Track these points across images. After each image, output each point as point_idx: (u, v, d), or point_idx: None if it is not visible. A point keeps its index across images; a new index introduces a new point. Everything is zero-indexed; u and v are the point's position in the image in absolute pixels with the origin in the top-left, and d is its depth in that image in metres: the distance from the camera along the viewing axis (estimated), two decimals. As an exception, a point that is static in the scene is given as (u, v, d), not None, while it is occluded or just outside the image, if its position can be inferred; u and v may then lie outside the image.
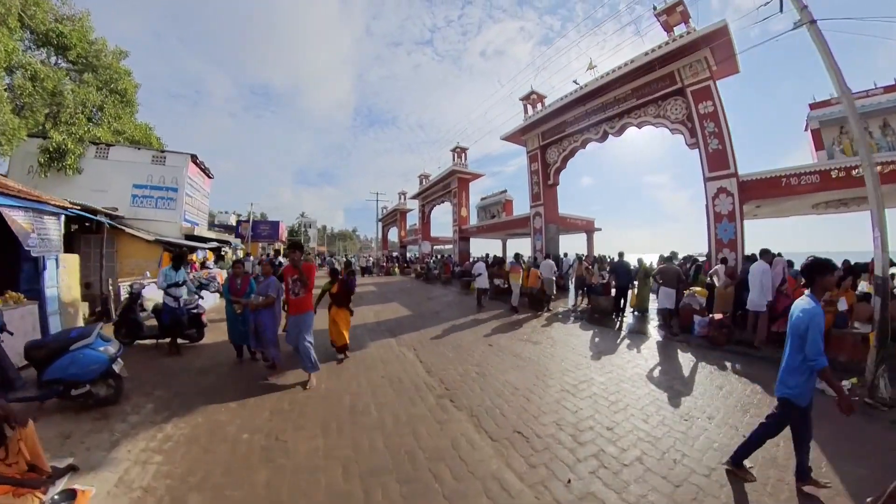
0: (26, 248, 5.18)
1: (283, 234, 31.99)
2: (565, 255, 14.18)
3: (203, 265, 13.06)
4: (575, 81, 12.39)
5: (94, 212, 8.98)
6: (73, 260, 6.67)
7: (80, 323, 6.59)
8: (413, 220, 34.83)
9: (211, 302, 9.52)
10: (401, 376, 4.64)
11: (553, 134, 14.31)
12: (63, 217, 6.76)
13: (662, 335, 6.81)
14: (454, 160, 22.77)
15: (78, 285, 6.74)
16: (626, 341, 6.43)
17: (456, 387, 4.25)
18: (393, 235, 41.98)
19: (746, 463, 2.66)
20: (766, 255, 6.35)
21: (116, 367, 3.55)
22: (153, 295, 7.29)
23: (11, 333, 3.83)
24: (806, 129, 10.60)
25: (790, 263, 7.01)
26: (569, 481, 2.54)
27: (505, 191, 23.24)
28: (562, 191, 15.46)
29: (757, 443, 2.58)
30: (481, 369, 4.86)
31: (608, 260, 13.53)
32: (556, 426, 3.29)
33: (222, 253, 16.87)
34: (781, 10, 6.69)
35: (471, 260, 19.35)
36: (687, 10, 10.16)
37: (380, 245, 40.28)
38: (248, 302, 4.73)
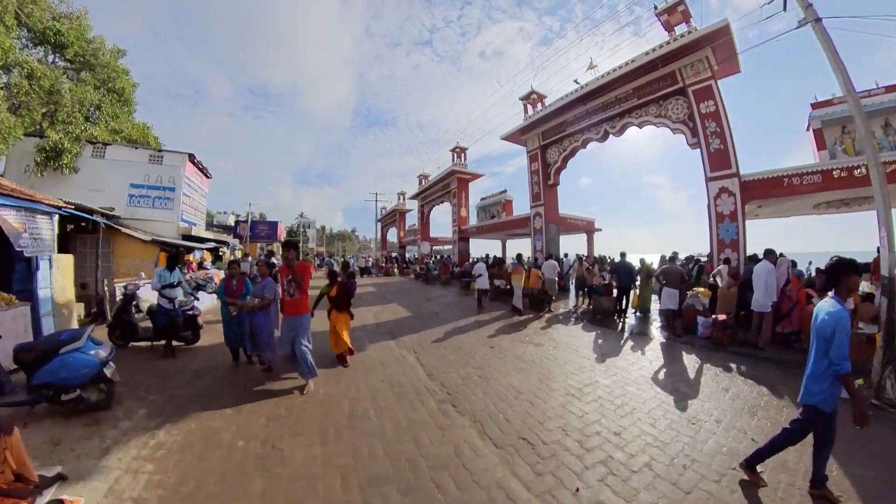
0: (18, 249, 5.06)
1: (282, 234, 31.83)
2: (566, 255, 14.10)
3: (200, 266, 12.94)
4: (576, 81, 12.33)
5: (90, 211, 8.87)
6: (67, 260, 6.56)
7: (75, 324, 6.47)
8: (412, 220, 34.76)
9: (208, 303, 9.40)
10: (401, 380, 4.53)
11: (553, 133, 14.24)
12: (57, 217, 6.64)
13: (665, 336, 6.73)
14: (454, 160, 22.70)
15: (72, 286, 6.63)
16: (630, 343, 6.35)
17: (458, 391, 4.14)
18: (392, 236, 41.89)
19: (758, 468, 2.61)
20: (769, 255, 6.28)
21: (108, 372, 3.44)
22: (149, 296, 7.17)
23: (0, 336, 3.73)
24: (808, 129, 10.55)
25: (793, 264, 6.96)
26: (577, 490, 2.45)
27: (505, 191, 23.16)
28: (561, 191, 15.40)
29: (777, 449, 2.50)
30: (483, 372, 4.76)
31: (608, 260, 13.46)
32: (562, 432, 3.20)
33: (220, 253, 16.74)
34: (785, 9, 6.63)
35: (471, 260, 19.25)
36: (688, 10, 10.12)
37: (379, 245, 40.17)
38: (244, 304, 4.60)
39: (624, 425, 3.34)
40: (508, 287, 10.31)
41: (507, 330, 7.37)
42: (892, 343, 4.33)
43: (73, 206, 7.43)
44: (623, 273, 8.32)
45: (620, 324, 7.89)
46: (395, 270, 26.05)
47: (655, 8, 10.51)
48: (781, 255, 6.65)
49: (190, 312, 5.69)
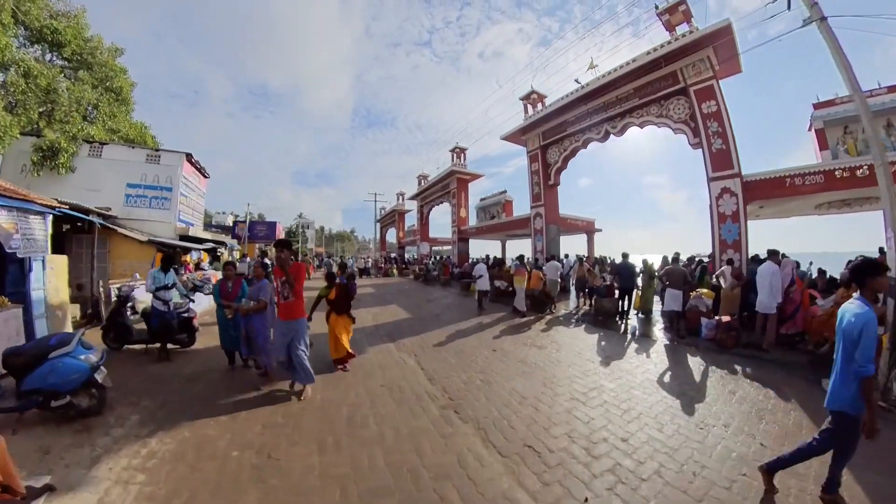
0: (9, 251, 4.95)
1: (280, 234, 31.70)
2: (566, 256, 14.03)
3: (198, 266, 12.82)
4: (577, 80, 12.27)
5: (86, 211, 8.75)
6: (60, 261, 6.44)
7: (69, 326, 6.36)
8: (411, 220, 34.68)
9: (205, 304, 9.28)
10: (401, 385, 4.41)
11: (554, 134, 14.17)
12: (51, 217, 6.53)
13: (669, 338, 6.66)
14: (453, 160, 22.62)
15: (66, 287, 6.51)
16: (633, 345, 6.27)
17: (460, 396, 4.03)
18: (391, 236, 41.79)
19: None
20: (774, 255, 6.22)
21: (99, 377, 3.33)
22: (145, 297, 7.07)
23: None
24: (810, 129, 10.51)
25: (796, 264, 6.91)
26: (586, 500, 2.36)
27: (504, 191, 23.08)
28: (560, 192, 15.33)
29: (803, 458, 2.40)
30: (486, 376, 4.65)
31: (609, 261, 13.39)
32: (569, 438, 3.10)
33: (218, 254, 16.61)
34: (789, 8, 6.58)
35: (470, 261, 19.17)
36: (689, 10, 10.07)
37: (378, 246, 40.07)
38: (239, 306, 4.46)
39: (631, 431, 3.26)
40: (510, 289, 10.19)
41: (509, 332, 7.27)
42: (900, 345, 4.26)
43: (67, 206, 7.31)
44: (625, 274, 8.23)
45: (623, 325, 7.81)
46: (395, 271, 25.96)
47: (656, 7, 10.46)
48: (784, 255, 6.60)
49: (185, 314, 5.57)
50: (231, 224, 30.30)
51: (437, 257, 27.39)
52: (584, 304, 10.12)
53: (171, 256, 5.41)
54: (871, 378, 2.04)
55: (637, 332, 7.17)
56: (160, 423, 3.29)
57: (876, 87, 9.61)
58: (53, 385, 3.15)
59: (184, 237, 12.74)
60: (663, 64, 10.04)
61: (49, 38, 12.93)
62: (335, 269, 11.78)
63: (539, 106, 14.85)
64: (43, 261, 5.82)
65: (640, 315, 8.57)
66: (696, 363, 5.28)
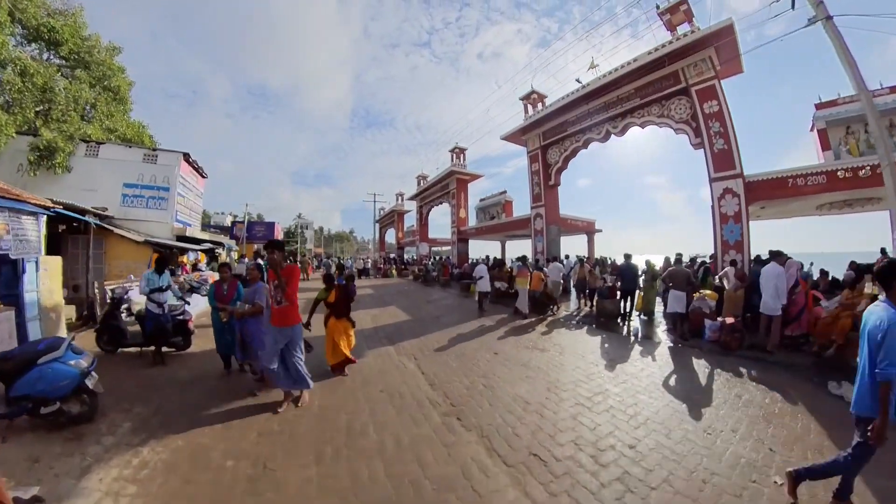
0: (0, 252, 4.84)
1: (279, 235, 31.58)
2: (566, 256, 13.96)
3: (195, 267, 12.69)
4: (578, 80, 12.21)
5: (81, 211, 8.64)
6: (55, 262, 6.32)
7: (63, 328, 6.25)
8: (410, 221, 34.57)
9: (202, 306, 9.17)
10: (401, 390, 4.29)
11: (554, 134, 14.11)
12: (44, 217, 6.42)
13: (672, 340, 6.58)
14: (452, 161, 22.54)
15: (60, 289, 6.40)
16: (637, 347, 6.18)
17: (462, 402, 3.92)
18: (390, 237, 41.68)
19: (778, 480, 2.53)
20: (778, 256, 6.14)
21: (90, 383, 3.22)
22: (140, 299, 6.96)
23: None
24: (812, 129, 10.47)
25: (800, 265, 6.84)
26: (595, 512, 2.27)
27: (504, 191, 23.01)
28: (560, 192, 15.26)
29: (837, 472, 2.29)
30: (488, 381, 4.55)
31: (609, 262, 13.32)
32: (575, 446, 3.01)
33: (216, 254, 16.49)
34: (793, 7, 6.53)
35: (470, 262, 19.07)
36: (690, 9, 10.03)
37: (377, 246, 39.96)
38: (234, 310, 4.31)
39: (638, 437, 3.18)
40: (513, 291, 10.06)
41: (510, 334, 7.17)
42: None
43: (61, 206, 7.20)
44: (628, 275, 8.15)
45: (625, 327, 7.73)
46: (394, 272, 25.86)
47: (658, 7, 10.41)
48: (788, 257, 6.53)
49: (180, 317, 5.45)
50: (230, 224, 30.16)
51: (437, 258, 27.31)
52: (585, 306, 10.04)
53: (165, 257, 5.26)
54: (890, 382, 1.96)
55: (640, 334, 7.09)
56: (153, 431, 3.18)
57: (878, 87, 9.56)
58: (42, 391, 3.04)
59: (181, 238, 12.63)
60: (667, 62, 9.99)
61: (46, 36, 12.81)
62: (333, 270, 11.64)
63: (539, 106, 14.79)
64: (36, 262, 5.71)
65: (641, 316, 8.49)
66: (700, 366, 5.20)
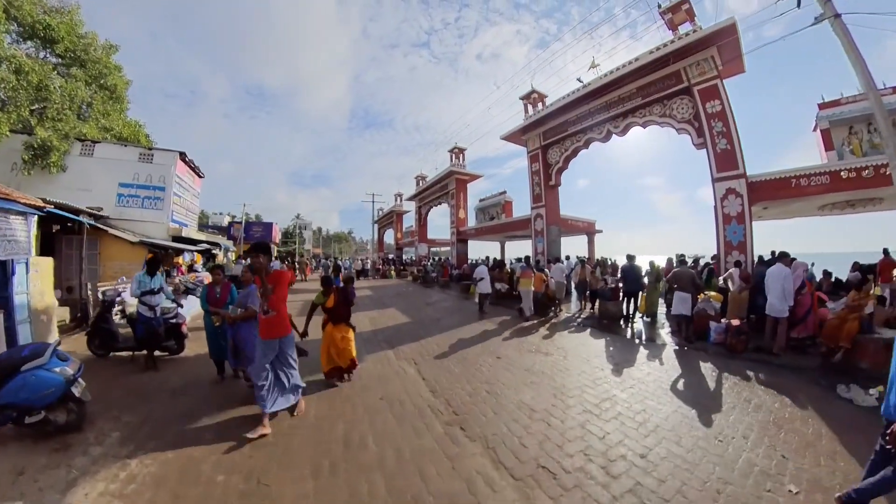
0: (-14, 252, 4.69)
1: (277, 235, 31.40)
2: (567, 257, 13.86)
3: (191, 268, 12.52)
4: (579, 79, 12.11)
5: (75, 211, 8.49)
6: (46, 263, 6.18)
7: (55, 331, 6.10)
8: (409, 221, 34.41)
9: (197, 309, 9.03)
10: (402, 398, 4.12)
11: (555, 133, 14.00)
12: (35, 217, 6.27)
13: (676, 342, 6.48)
14: (452, 161, 22.42)
15: (52, 291, 6.25)
16: (642, 350, 6.07)
17: (466, 410, 3.77)
18: (389, 237, 41.52)
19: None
20: (783, 258, 6.06)
21: (76, 391, 3.07)
22: (134, 301, 6.82)
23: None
24: (815, 129, 10.40)
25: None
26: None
27: (504, 192, 22.88)
28: (559, 192, 15.15)
29: (889, 489, 2.12)
30: (492, 387, 4.40)
31: (609, 263, 13.22)
32: (585, 457, 2.88)
33: (214, 254, 16.32)
34: (799, 6, 6.44)
35: (469, 262, 18.95)
36: (692, 9, 9.95)
37: (375, 247, 39.78)
38: (226, 314, 4.13)
39: (649, 445, 3.07)
40: (515, 292, 9.90)
41: (513, 337, 7.04)
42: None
43: (53, 206, 7.04)
44: (631, 277, 8.04)
45: (628, 329, 7.62)
46: (392, 273, 25.73)
47: (659, 6, 10.33)
48: (793, 257, 6.45)
49: (173, 320, 5.30)
50: (227, 225, 29.96)
51: (436, 259, 27.18)
52: (586, 308, 9.92)
53: (157, 259, 5.07)
54: None
55: (644, 337, 6.98)
56: (142, 442, 3.04)
57: (881, 87, 9.49)
58: (27, 400, 2.90)
59: (177, 238, 12.47)
60: (672, 61, 9.88)
61: (42, 33, 12.62)
62: (330, 271, 11.45)
63: (539, 105, 14.69)
64: (27, 263, 5.56)
65: (644, 318, 8.39)
66: (707, 369, 5.10)
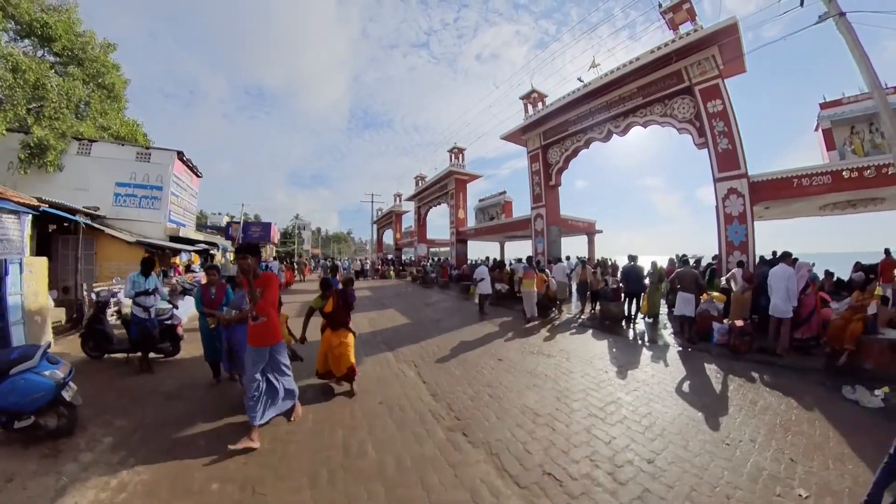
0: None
1: (276, 235, 31.29)
2: (567, 258, 13.79)
3: (188, 269, 12.42)
4: (579, 79, 12.06)
5: (71, 210, 8.40)
6: (40, 263, 6.08)
7: (49, 332, 6.01)
8: (408, 222, 34.32)
9: (193, 309, 8.95)
10: (402, 402, 4.00)
11: (555, 133, 13.95)
12: (29, 217, 6.18)
13: (679, 343, 6.42)
14: (451, 161, 22.36)
15: (46, 291, 6.15)
16: (645, 352, 6.00)
17: (468, 415, 3.67)
18: (388, 238, 41.43)
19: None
20: (786, 258, 6.00)
21: (67, 395, 2.98)
22: (129, 301, 6.73)
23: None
24: (816, 129, 10.37)
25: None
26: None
27: (504, 192, 22.83)
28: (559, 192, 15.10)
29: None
30: (494, 391, 4.31)
31: (610, 263, 13.16)
32: (591, 462, 2.81)
33: (211, 254, 16.21)
34: (802, 5, 6.40)
35: (469, 263, 18.87)
36: (693, 8, 9.91)
37: (374, 247, 39.68)
38: (221, 316, 4.01)
39: (656, 450, 2.99)
40: (519, 294, 9.79)
41: (514, 339, 6.96)
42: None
43: (47, 205, 6.95)
44: (633, 277, 7.97)
45: (631, 331, 7.55)
46: (392, 273, 25.66)
47: (660, 6, 10.29)
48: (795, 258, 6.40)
49: (168, 322, 5.20)
50: (225, 225, 29.83)
51: (435, 259, 27.11)
52: (587, 308, 9.85)
53: (151, 259, 4.95)
54: None
55: (646, 338, 6.91)
56: (134, 448, 2.94)
57: (883, 86, 9.45)
58: (16, 404, 2.81)
59: (174, 238, 12.38)
60: (674, 59, 9.83)
61: (39, 32, 12.52)
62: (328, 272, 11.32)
63: (539, 105, 14.64)
64: (20, 263, 5.46)
65: (646, 319, 8.32)
66: (712, 371, 5.04)
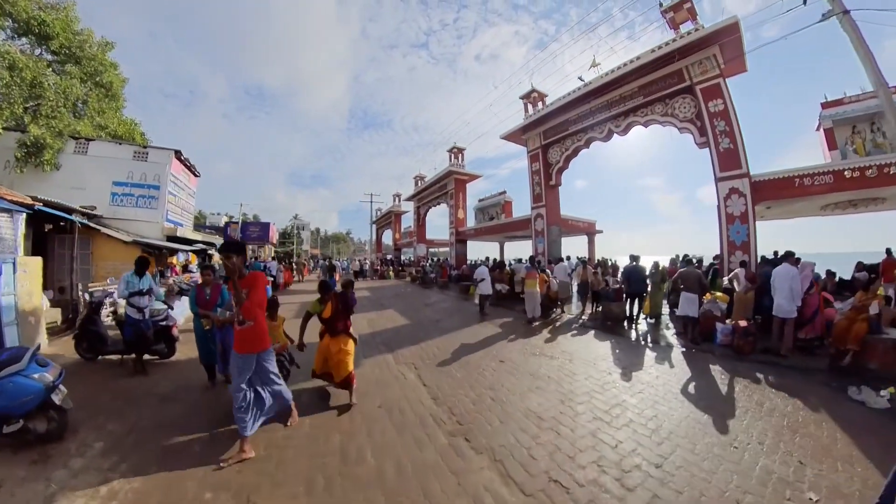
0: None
1: (274, 235, 31.17)
2: (567, 258, 13.73)
3: (185, 269, 12.31)
4: (580, 78, 12.00)
5: (66, 210, 8.29)
6: (34, 263, 5.99)
7: (43, 333, 5.92)
8: (408, 222, 34.24)
9: (188, 311, 8.87)
10: (402, 406, 3.90)
11: (555, 133, 13.89)
12: (23, 216, 6.08)
13: (683, 344, 6.35)
14: (451, 161, 22.29)
15: (40, 291, 6.07)
16: (648, 353, 5.92)
17: (470, 419, 3.56)
18: (387, 238, 41.34)
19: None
20: (790, 258, 5.96)
21: (56, 398, 2.89)
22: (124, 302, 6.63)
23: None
24: (818, 129, 10.34)
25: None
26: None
27: (504, 192, 22.76)
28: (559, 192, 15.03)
29: None
30: (496, 394, 4.21)
31: (611, 264, 13.10)
32: (598, 468, 2.73)
33: (210, 254, 16.09)
34: (805, 3, 6.36)
35: (468, 263, 18.80)
36: (694, 8, 9.88)
37: (374, 248, 39.57)
38: (215, 317, 3.90)
39: (663, 454, 2.92)
40: (521, 295, 9.71)
41: (515, 340, 6.87)
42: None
43: (41, 204, 6.85)
44: (634, 277, 7.90)
45: (633, 331, 7.48)
46: (391, 273, 25.57)
47: (661, 5, 10.24)
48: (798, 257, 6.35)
49: (163, 323, 5.10)
50: (223, 225, 29.70)
51: (435, 259, 27.02)
52: (588, 309, 9.78)
53: (145, 259, 4.83)
54: None
55: (649, 339, 6.84)
56: (126, 454, 2.85)
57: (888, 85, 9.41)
58: (4, 408, 2.73)
59: (171, 238, 12.26)
60: (677, 57, 9.78)
61: (37, 30, 12.40)
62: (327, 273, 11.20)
63: (540, 105, 14.58)
64: (14, 263, 5.37)
65: (648, 320, 8.25)
66: (716, 372, 4.97)
